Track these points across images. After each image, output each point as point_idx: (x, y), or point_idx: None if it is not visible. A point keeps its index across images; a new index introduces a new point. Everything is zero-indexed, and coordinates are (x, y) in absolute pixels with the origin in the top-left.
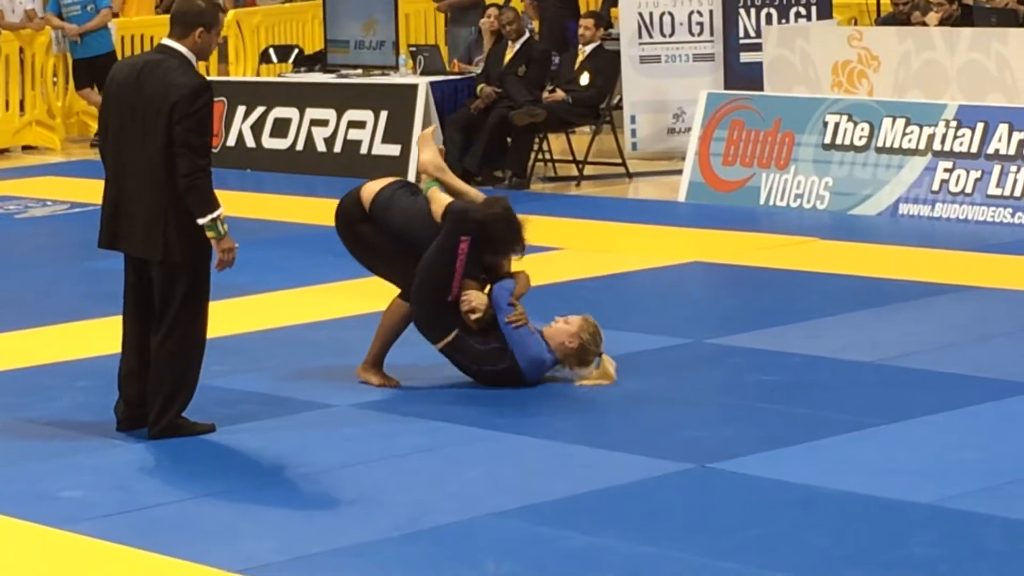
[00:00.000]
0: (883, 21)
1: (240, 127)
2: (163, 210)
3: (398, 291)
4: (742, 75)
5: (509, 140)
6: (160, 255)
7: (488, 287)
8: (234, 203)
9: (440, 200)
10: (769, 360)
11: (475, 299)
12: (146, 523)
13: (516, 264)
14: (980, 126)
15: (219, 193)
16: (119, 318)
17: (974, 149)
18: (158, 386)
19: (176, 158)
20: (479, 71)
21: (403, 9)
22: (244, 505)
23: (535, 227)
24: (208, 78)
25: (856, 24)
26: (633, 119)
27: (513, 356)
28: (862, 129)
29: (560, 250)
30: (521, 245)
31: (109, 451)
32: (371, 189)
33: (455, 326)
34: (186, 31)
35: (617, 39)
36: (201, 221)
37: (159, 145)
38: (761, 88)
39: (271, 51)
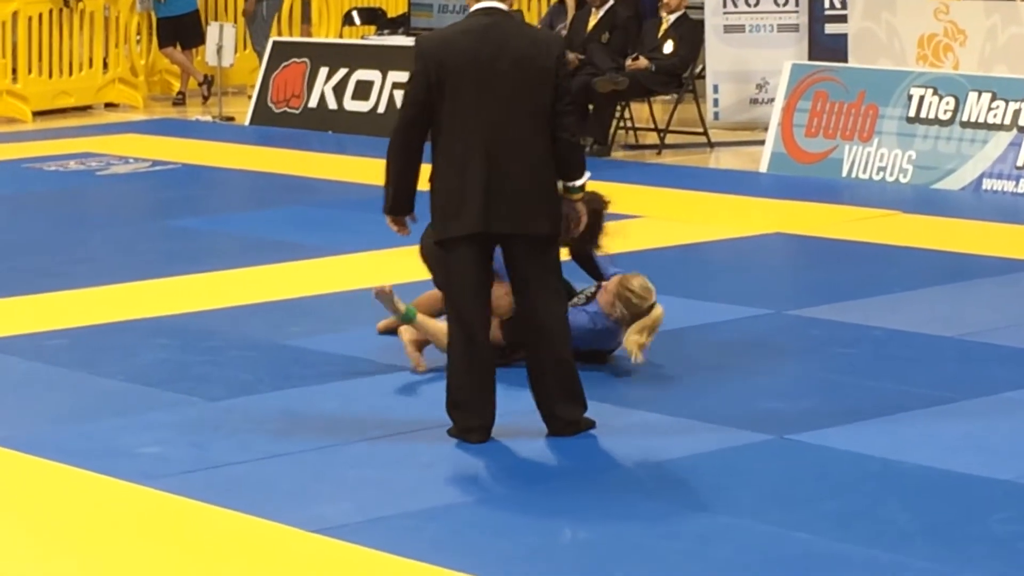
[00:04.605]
0: None
1: (322, 89)
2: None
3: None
4: (827, 46)
5: (591, 107)
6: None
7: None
8: (315, 165)
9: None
10: (850, 333)
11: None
12: (222, 481)
13: None
14: None
15: (301, 154)
16: (198, 276)
17: None
18: None
19: (561, 116)
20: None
21: None
22: (319, 466)
23: (615, 194)
24: (290, 39)
25: None
26: (716, 88)
27: None
28: (947, 103)
29: (640, 218)
30: None
31: (186, 408)
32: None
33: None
34: None
35: (701, 8)
36: (579, 182)
37: (537, 104)
38: (845, 60)
39: (354, 13)
